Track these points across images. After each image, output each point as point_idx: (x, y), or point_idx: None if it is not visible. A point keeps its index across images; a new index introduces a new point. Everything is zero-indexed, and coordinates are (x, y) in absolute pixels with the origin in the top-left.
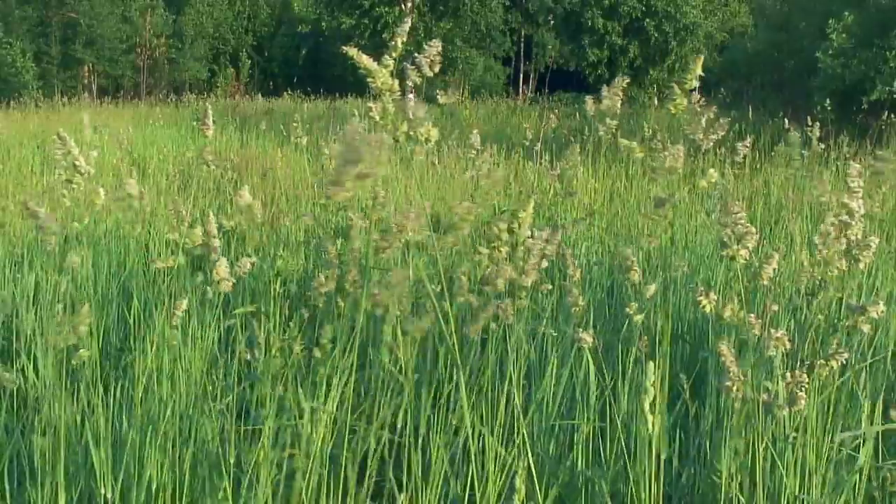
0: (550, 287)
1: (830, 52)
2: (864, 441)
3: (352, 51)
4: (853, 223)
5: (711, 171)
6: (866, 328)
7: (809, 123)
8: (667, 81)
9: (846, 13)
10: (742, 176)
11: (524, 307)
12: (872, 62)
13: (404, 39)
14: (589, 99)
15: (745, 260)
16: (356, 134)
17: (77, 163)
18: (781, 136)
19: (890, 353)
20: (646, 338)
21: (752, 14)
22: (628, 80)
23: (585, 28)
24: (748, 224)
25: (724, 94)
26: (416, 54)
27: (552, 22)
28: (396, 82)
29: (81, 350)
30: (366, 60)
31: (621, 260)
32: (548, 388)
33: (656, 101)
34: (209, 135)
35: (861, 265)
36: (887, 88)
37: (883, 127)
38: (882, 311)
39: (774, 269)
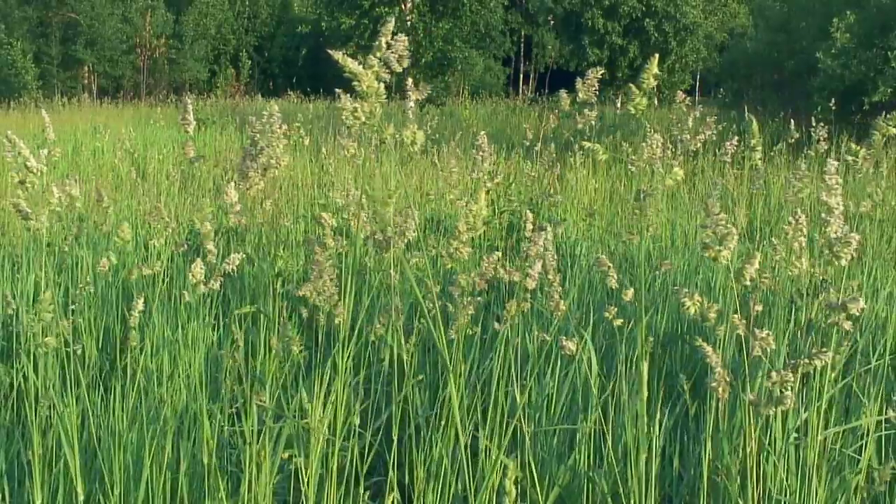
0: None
1: (833, 51)
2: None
3: (337, 54)
4: (831, 220)
5: (676, 169)
6: (847, 325)
7: (812, 124)
8: (667, 81)
9: (847, 13)
10: (742, 176)
11: (525, 308)
12: (873, 63)
13: (389, 39)
14: (563, 93)
15: (727, 260)
16: (256, 130)
17: (28, 163)
18: (782, 136)
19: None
20: (650, 338)
21: (752, 14)
22: (603, 72)
23: (585, 28)
24: (729, 225)
25: (723, 94)
26: (415, 55)
27: (552, 22)
28: (382, 85)
29: (47, 338)
30: (351, 64)
31: (596, 265)
32: (549, 387)
33: (656, 102)
34: (190, 130)
35: (842, 262)
36: (888, 90)
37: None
38: (862, 308)
39: (757, 269)
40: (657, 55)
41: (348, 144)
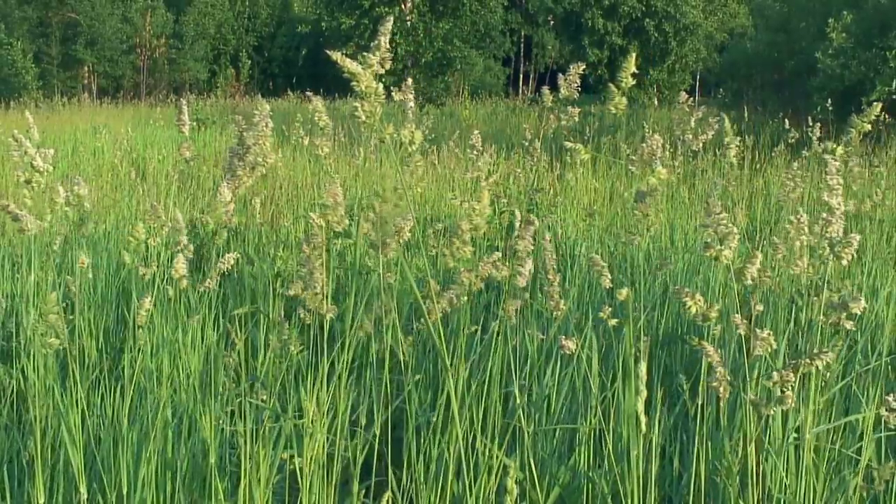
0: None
1: (831, 51)
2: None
3: (335, 55)
4: (833, 220)
5: (660, 168)
6: (849, 325)
7: (810, 124)
8: (667, 81)
9: (845, 13)
10: (741, 176)
11: (522, 307)
12: (872, 63)
13: (388, 38)
14: (545, 89)
15: (728, 260)
16: (243, 128)
17: (34, 162)
18: (781, 136)
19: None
20: (647, 338)
21: (752, 15)
22: (584, 68)
23: (585, 28)
24: (730, 224)
25: (723, 94)
26: (415, 55)
27: (552, 22)
28: (381, 85)
29: (51, 339)
30: (349, 64)
31: (591, 265)
32: (549, 387)
33: (656, 102)
34: (185, 131)
35: (843, 262)
36: (886, 89)
37: (881, 128)
38: (864, 307)
39: (758, 269)
40: (635, 54)
41: (322, 144)
